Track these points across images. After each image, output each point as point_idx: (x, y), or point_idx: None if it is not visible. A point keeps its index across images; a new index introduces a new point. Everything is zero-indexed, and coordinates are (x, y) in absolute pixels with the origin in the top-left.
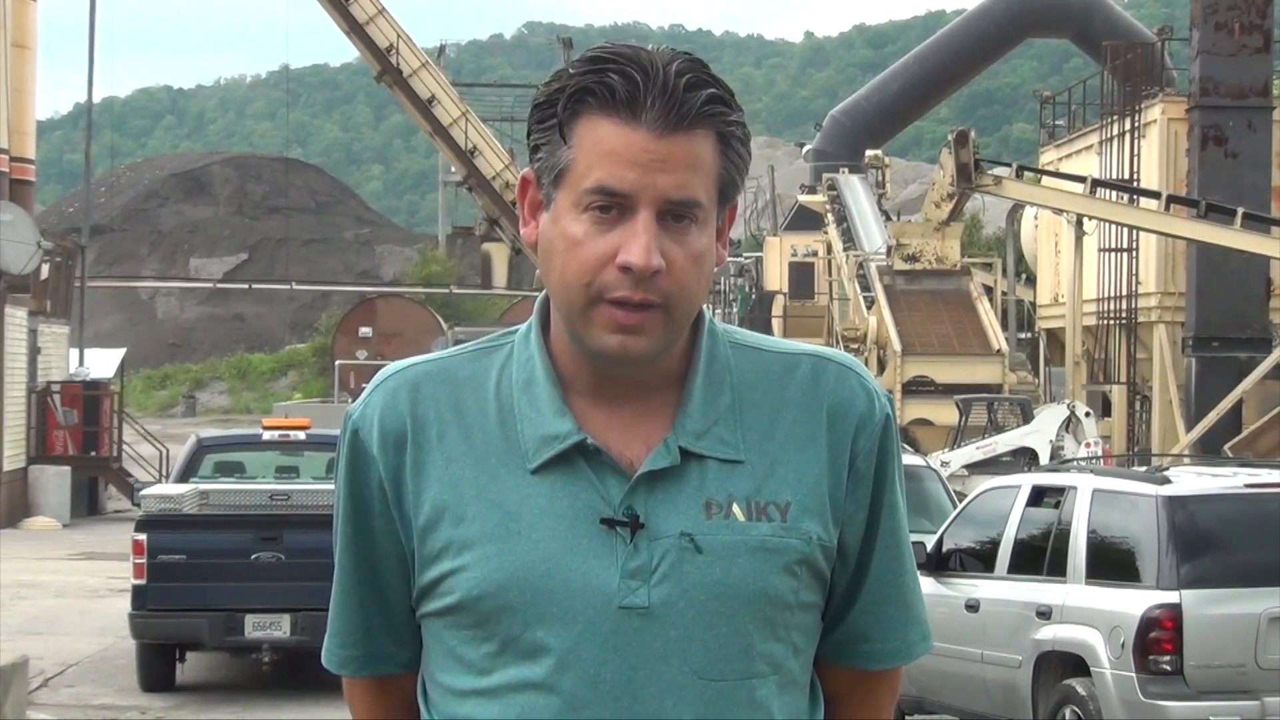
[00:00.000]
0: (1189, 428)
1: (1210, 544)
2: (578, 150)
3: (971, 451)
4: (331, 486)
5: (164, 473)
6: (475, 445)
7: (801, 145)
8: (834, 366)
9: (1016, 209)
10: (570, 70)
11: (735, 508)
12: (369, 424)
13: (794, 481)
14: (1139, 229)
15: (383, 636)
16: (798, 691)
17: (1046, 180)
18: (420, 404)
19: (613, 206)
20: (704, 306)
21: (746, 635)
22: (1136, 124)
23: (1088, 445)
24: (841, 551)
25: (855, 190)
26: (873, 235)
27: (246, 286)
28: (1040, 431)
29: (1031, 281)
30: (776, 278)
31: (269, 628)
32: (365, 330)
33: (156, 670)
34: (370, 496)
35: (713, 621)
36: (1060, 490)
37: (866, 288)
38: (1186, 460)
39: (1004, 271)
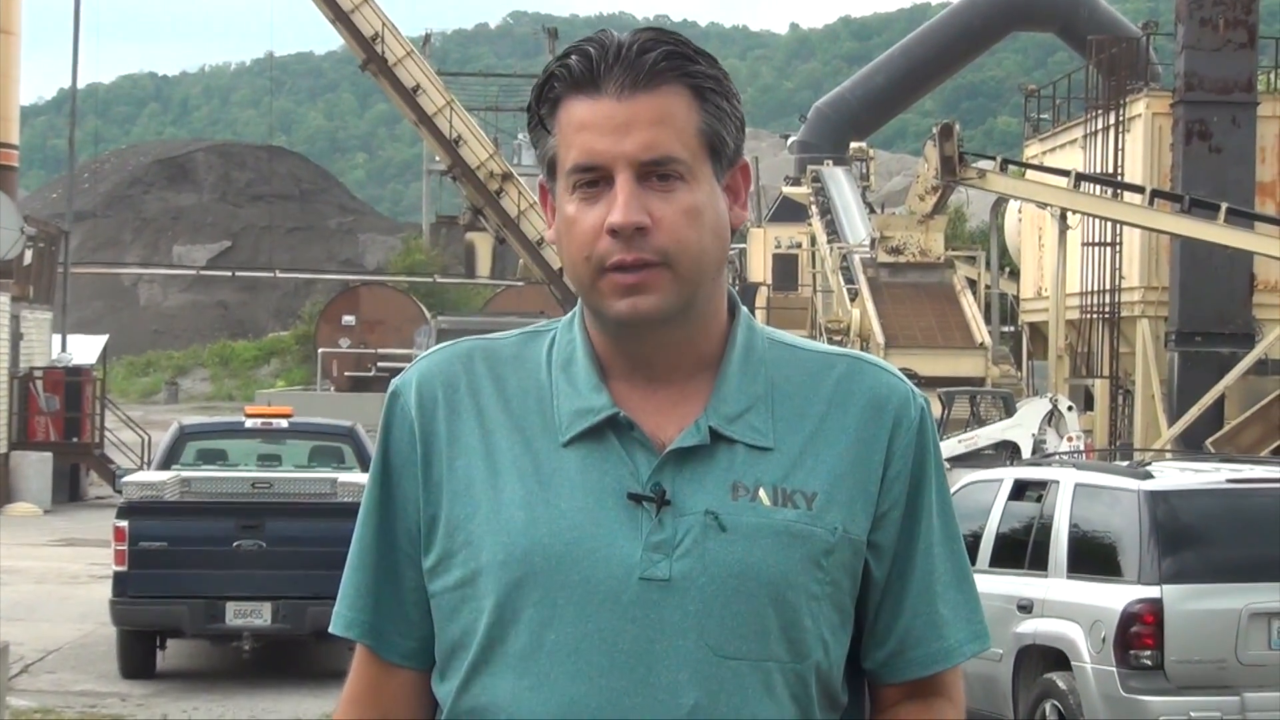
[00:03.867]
0: (1171, 422)
1: (1192, 539)
2: (559, 137)
3: (954, 445)
4: (313, 475)
5: (146, 459)
6: (512, 418)
7: (786, 137)
8: (870, 367)
9: (1000, 203)
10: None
11: (761, 492)
12: (408, 387)
13: (823, 474)
14: (1123, 223)
15: (389, 613)
16: (820, 693)
17: (1030, 174)
18: (462, 374)
19: (597, 180)
20: (738, 300)
21: (765, 617)
22: (1121, 118)
23: (1070, 439)
24: (878, 550)
25: (839, 182)
26: (857, 228)
27: (230, 274)
28: (1022, 425)
29: (1015, 275)
30: (760, 269)
31: (250, 615)
32: (348, 318)
33: (137, 657)
34: (401, 456)
35: (732, 599)
36: (1042, 484)
37: (850, 280)
38: (1169, 455)
39: (987, 265)
